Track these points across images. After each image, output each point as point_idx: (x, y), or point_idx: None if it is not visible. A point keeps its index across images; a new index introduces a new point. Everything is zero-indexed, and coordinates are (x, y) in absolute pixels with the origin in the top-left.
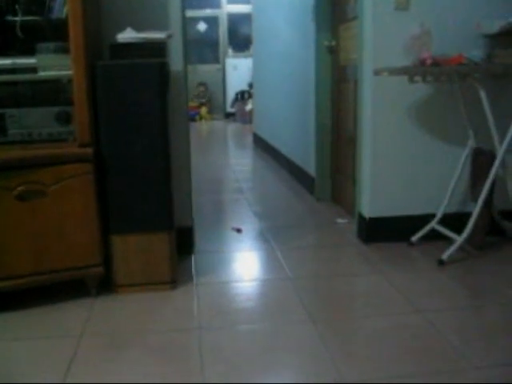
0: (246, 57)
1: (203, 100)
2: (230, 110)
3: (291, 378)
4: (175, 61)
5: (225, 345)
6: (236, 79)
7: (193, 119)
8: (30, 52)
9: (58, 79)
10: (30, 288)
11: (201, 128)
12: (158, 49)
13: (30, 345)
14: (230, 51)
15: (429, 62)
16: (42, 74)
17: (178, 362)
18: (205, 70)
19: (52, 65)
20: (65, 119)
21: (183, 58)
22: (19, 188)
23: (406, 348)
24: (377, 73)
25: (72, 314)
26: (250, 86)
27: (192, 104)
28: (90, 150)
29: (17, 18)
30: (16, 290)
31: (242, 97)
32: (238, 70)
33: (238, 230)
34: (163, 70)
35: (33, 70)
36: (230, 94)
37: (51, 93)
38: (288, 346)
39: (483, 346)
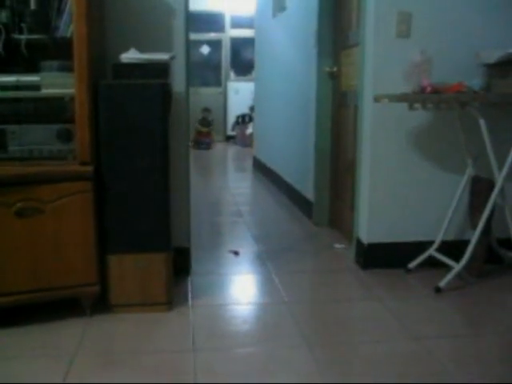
0: (247, 80)
1: (207, 129)
2: (230, 133)
3: None
4: (178, 82)
5: (219, 368)
6: (237, 102)
7: (208, 147)
8: (34, 70)
9: (60, 97)
10: (25, 306)
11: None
12: (160, 70)
13: (22, 364)
14: (232, 74)
15: (429, 89)
16: (45, 91)
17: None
18: (206, 93)
19: (55, 83)
20: (66, 137)
21: (186, 79)
22: (18, 204)
23: (402, 375)
24: (377, 99)
25: (66, 333)
26: (251, 109)
27: (202, 130)
28: (90, 168)
29: (22, 36)
30: (10, 307)
31: (243, 120)
32: (239, 94)
33: (236, 253)
34: (165, 91)
35: (36, 87)
36: (231, 118)
37: (53, 110)
38: (283, 370)
39: (480, 373)
